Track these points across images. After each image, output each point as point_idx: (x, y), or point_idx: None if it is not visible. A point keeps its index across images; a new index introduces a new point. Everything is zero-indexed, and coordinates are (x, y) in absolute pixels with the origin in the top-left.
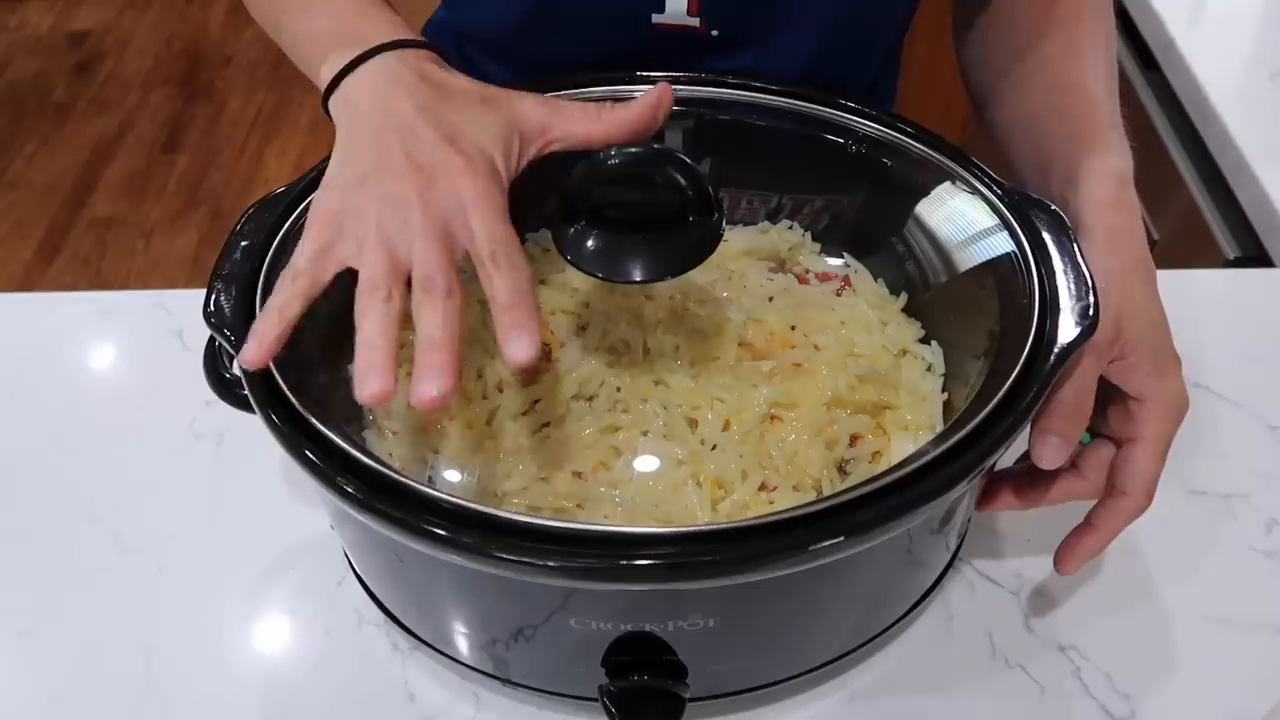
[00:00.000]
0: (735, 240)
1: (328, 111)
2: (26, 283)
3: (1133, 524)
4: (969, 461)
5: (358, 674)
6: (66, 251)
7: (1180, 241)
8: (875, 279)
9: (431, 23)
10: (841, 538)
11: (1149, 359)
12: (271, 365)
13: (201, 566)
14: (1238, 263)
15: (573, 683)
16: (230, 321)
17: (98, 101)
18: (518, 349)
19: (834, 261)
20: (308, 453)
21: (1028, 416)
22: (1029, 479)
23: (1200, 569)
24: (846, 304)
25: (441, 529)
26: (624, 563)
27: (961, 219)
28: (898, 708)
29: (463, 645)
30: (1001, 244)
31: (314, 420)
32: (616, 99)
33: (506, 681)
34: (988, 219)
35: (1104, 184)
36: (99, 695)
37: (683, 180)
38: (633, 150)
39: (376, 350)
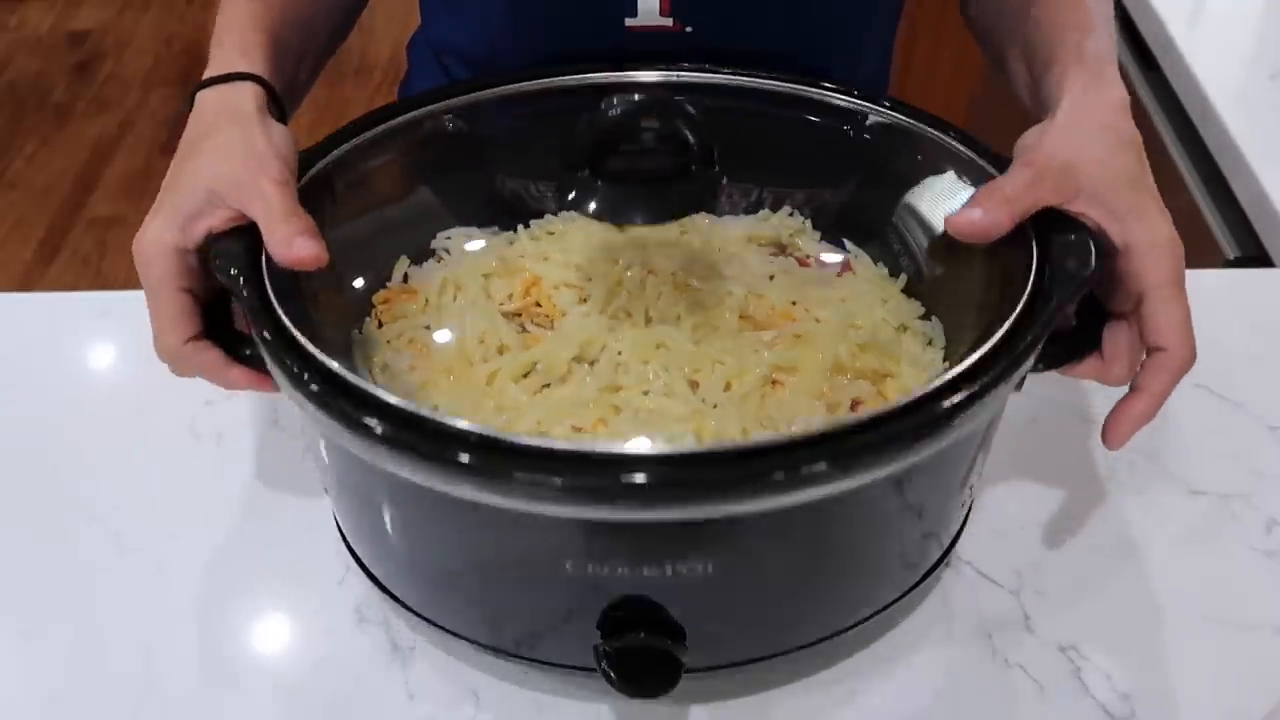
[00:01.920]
0: (735, 227)
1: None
2: (26, 283)
3: (1132, 524)
4: (974, 393)
5: (358, 674)
6: (66, 251)
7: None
8: (876, 263)
9: (414, 43)
10: (842, 460)
11: (1119, 204)
12: (276, 304)
13: (201, 566)
14: (1238, 263)
15: (568, 649)
16: (234, 267)
17: (98, 101)
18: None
19: (834, 248)
20: (307, 377)
21: (1032, 351)
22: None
23: (1200, 569)
24: (847, 283)
25: (443, 447)
26: (627, 479)
27: (960, 201)
28: (898, 708)
29: (456, 612)
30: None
31: (312, 349)
32: (602, 86)
33: (499, 652)
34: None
35: (1077, 66)
36: (99, 695)
37: (684, 128)
38: (635, 99)
39: None
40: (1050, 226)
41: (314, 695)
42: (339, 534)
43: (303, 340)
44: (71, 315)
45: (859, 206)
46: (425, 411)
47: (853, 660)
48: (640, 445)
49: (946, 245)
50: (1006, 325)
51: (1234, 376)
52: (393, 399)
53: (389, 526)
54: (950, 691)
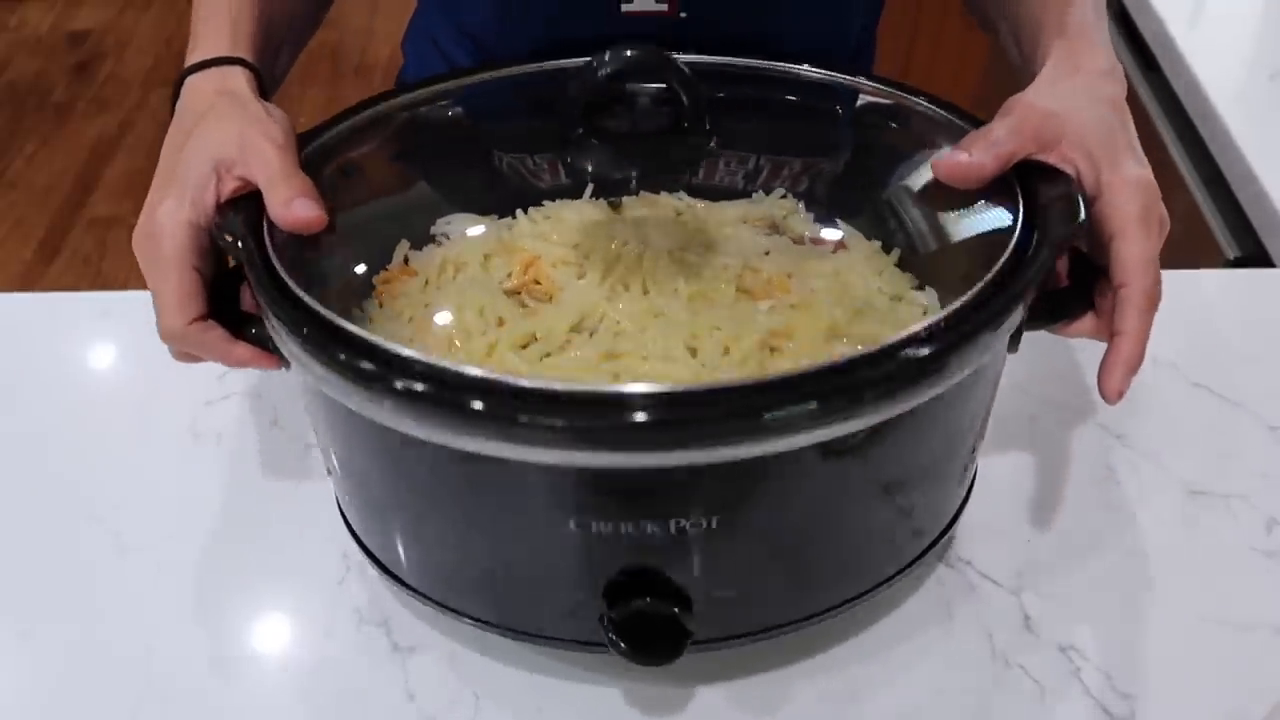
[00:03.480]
0: (729, 210)
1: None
2: (26, 283)
3: (1132, 524)
4: (966, 332)
5: (358, 674)
6: (66, 251)
7: (1180, 241)
8: (869, 240)
9: (410, 34)
10: (837, 397)
11: (1097, 149)
12: (281, 270)
13: (201, 566)
14: (1238, 263)
15: (574, 623)
16: (238, 231)
17: (98, 101)
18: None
19: (827, 227)
20: (307, 329)
21: (1024, 294)
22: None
23: (1200, 569)
24: (841, 257)
25: (444, 392)
26: (630, 418)
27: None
28: (898, 708)
29: (460, 586)
30: (998, 200)
31: (310, 300)
32: (610, 67)
33: (503, 629)
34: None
35: (1060, 39)
36: (99, 695)
37: (676, 84)
38: (628, 55)
39: None
40: (1036, 180)
41: (314, 695)
42: (343, 521)
43: (300, 293)
44: (71, 315)
45: (850, 186)
46: (424, 356)
47: (853, 660)
48: (641, 386)
49: (938, 218)
50: (997, 266)
51: (1234, 376)
52: (391, 345)
53: (392, 494)
54: (950, 691)
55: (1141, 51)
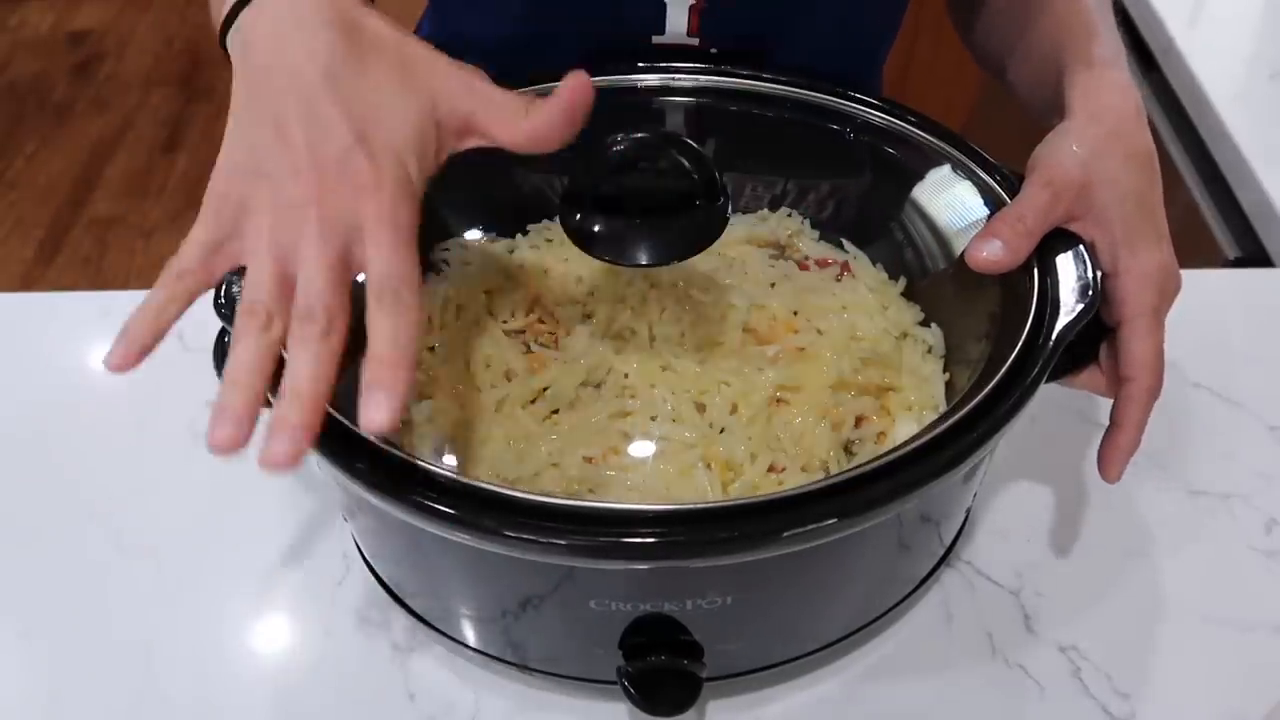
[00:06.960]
0: (735, 228)
1: (225, 50)
2: (26, 283)
3: (1132, 524)
4: (972, 441)
5: (358, 674)
6: (66, 251)
7: (1180, 241)
8: (874, 264)
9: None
10: (835, 519)
11: (1118, 229)
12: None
13: (201, 566)
14: (1238, 263)
15: (589, 666)
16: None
17: (98, 101)
18: (372, 413)
19: (833, 248)
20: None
21: (1032, 393)
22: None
23: (1200, 569)
24: (847, 289)
25: (451, 509)
26: (632, 540)
27: (960, 204)
28: (897, 708)
29: (482, 632)
30: None
31: (329, 408)
32: (621, 88)
33: (524, 668)
34: (986, 203)
35: (1085, 71)
36: (99, 695)
37: (688, 164)
38: (639, 136)
39: (236, 390)
40: (1051, 248)
41: (314, 695)
42: (361, 560)
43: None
44: (71, 315)
45: (857, 207)
46: (432, 465)
47: (852, 660)
48: (648, 487)
49: (944, 246)
50: (1007, 365)
51: (1234, 376)
52: (406, 456)
53: (405, 552)
54: (950, 691)
55: (1141, 51)
